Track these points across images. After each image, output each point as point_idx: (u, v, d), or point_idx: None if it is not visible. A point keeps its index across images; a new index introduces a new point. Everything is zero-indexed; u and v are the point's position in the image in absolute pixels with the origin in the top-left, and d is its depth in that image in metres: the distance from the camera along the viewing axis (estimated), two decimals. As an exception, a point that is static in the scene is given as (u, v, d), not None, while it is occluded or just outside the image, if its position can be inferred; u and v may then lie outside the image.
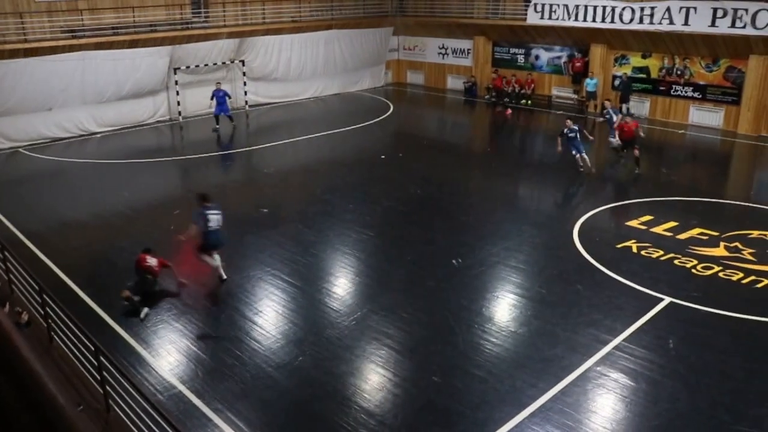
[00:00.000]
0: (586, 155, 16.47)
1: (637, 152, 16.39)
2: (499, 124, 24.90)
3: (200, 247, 10.20)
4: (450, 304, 10.09)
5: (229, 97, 21.91)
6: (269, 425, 7.40)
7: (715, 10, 20.18)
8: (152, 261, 10.35)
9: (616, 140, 17.47)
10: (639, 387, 7.93)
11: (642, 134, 16.78)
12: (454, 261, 11.61)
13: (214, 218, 10.22)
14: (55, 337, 8.46)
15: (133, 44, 21.60)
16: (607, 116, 18.50)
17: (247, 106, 25.52)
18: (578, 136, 16.50)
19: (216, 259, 10.53)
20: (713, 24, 20.36)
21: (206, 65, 24.05)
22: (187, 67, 23.46)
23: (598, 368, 8.29)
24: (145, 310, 9.77)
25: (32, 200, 15.11)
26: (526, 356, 8.65)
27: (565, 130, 16.54)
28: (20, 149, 19.76)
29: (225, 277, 10.73)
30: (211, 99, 21.53)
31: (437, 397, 7.78)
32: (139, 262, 10.31)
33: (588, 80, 23.83)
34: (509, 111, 24.81)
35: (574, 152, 16.43)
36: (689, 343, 8.95)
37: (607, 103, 19.14)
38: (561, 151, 16.83)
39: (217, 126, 21.66)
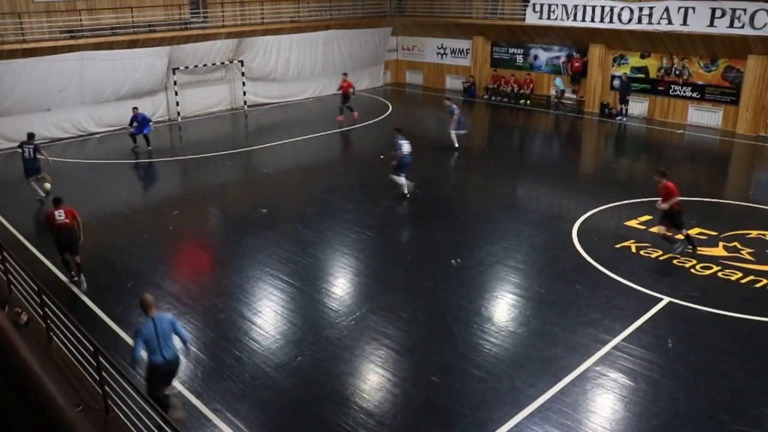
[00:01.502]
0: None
1: (680, 236, 11.55)
2: (497, 124, 24.89)
3: None
4: (449, 304, 10.09)
5: (150, 121, 19.90)
6: (268, 425, 7.40)
7: (713, 10, 20.20)
8: (61, 215, 10.44)
9: (401, 179, 14.62)
10: (638, 387, 7.94)
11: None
12: (452, 261, 11.61)
13: None
14: (54, 337, 8.44)
15: (131, 44, 21.60)
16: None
17: (245, 107, 25.54)
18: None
19: None
20: (711, 24, 20.38)
21: (205, 65, 24.07)
22: (186, 68, 23.48)
23: (597, 368, 8.30)
24: (83, 283, 10.53)
25: (31, 201, 15.07)
26: (525, 356, 8.66)
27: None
28: (19, 150, 19.69)
29: None
30: (130, 125, 19.42)
31: (436, 397, 7.78)
32: (50, 219, 10.45)
33: (556, 79, 25.44)
34: (340, 117, 23.08)
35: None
36: (688, 342, 8.96)
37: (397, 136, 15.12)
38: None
39: (136, 145, 19.39)
